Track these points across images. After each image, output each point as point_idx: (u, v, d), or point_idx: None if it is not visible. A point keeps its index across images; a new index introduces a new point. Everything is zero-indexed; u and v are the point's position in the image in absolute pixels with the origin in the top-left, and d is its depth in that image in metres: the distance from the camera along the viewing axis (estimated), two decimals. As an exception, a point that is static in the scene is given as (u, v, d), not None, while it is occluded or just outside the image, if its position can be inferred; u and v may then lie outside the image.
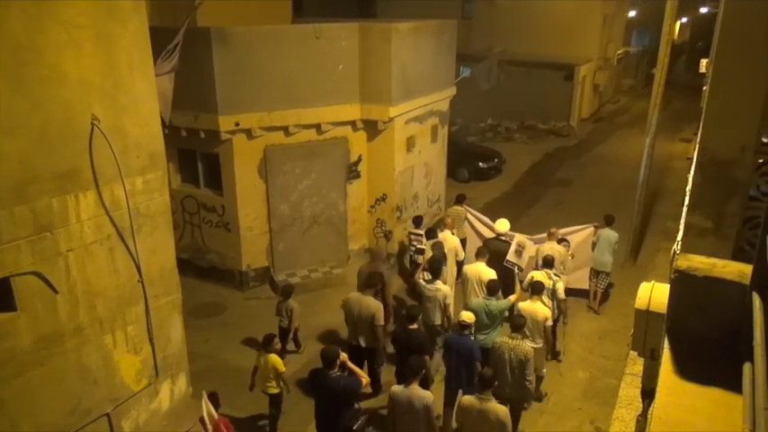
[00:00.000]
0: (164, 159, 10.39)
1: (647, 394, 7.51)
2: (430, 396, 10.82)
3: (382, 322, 13.76)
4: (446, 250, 16.95)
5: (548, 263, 15.35)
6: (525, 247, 17.26)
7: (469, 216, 19.82)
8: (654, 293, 6.94)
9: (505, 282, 15.62)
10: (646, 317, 6.88)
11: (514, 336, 12.21)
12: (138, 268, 10.12)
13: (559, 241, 17.43)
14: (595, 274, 18.32)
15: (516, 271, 16.78)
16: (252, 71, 16.93)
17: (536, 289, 13.97)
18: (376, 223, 20.59)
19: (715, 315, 4.89)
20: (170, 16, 18.84)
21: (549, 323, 13.81)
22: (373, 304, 13.65)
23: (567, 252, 17.42)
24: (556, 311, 15.18)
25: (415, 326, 12.99)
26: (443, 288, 14.52)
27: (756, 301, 4.21)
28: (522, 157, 33.70)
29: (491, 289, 13.94)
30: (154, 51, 10.04)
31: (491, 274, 14.95)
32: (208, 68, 16.58)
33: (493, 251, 16.18)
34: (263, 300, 18.55)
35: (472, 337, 12.85)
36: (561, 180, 30.18)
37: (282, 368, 12.90)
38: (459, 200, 20.23)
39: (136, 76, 9.62)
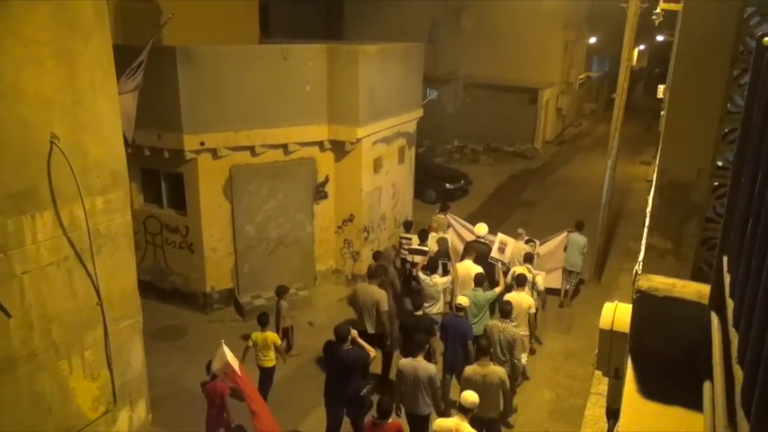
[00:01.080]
0: (126, 179, 10.23)
1: (612, 414, 7.50)
2: (433, 368, 12.51)
3: (386, 308, 15.31)
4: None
5: (528, 259, 17.78)
6: (507, 244, 19.43)
7: (452, 222, 21.64)
8: (617, 313, 6.97)
9: (489, 276, 17.72)
10: (609, 337, 6.89)
11: (503, 320, 13.89)
12: (98, 291, 9.91)
13: (526, 242, 19.96)
14: (567, 273, 20.59)
15: (499, 266, 18.68)
16: (218, 90, 16.87)
17: (520, 281, 15.88)
18: (343, 244, 20.56)
19: (676, 335, 4.88)
20: (135, 34, 18.74)
21: (533, 310, 15.91)
22: (377, 292, 15.30)
23: (534, 250, 19.77)
24: (537, 301, 17.20)
25: (420, 312, 14.93)
26: (439, 281, 16.38)
27: (714, 320, 4.20)
28: (488, 178, 33.97)
29: (478, 281, 15.95)
30: (118, 69, 9.90)
31: (478, 269, 16.74)
32: (173, 87, 16.49)
33: (475, 252, 17.97)
34: (228, 322, 18.40)
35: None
36: (526, 201, 30.39)
37: (279, 342, 14.60)
38: (443, 209, 22.24)
39: (98, 93, 9.48)
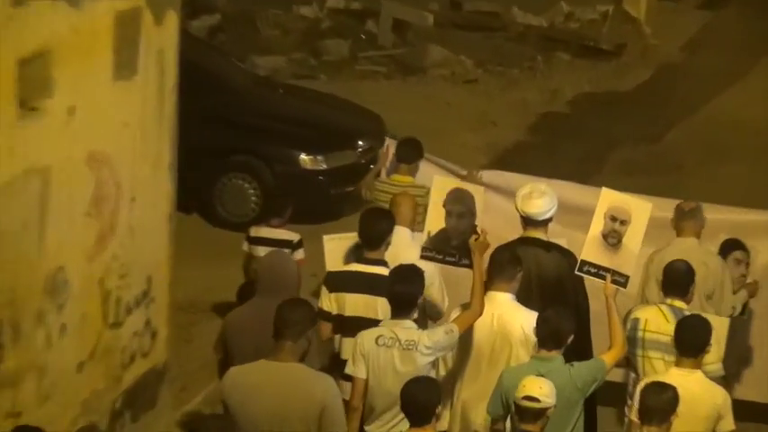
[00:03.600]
0: None
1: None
2: None
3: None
4: None
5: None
6: (628, 220, 6.01)
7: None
8: None
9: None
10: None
11: None
12: None
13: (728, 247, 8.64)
14: None
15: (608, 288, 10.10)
16: None
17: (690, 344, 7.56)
18: None
19: None
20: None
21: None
22: (318, 386, 9.34)
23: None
24: None
25: None
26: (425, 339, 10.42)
27: None
28: (463, 135, 13.92)
29: (548, 336, 8.65)
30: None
31: (528, 315, 9.92)
32: None
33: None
34: None
35: None
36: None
37: None
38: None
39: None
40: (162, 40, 7.55)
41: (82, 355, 6.96)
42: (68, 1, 6.31)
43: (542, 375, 5.86)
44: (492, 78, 15.56)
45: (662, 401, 5.64)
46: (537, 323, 6.25)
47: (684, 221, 7.73)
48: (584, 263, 6.91)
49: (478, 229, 6.81)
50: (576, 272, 7.02)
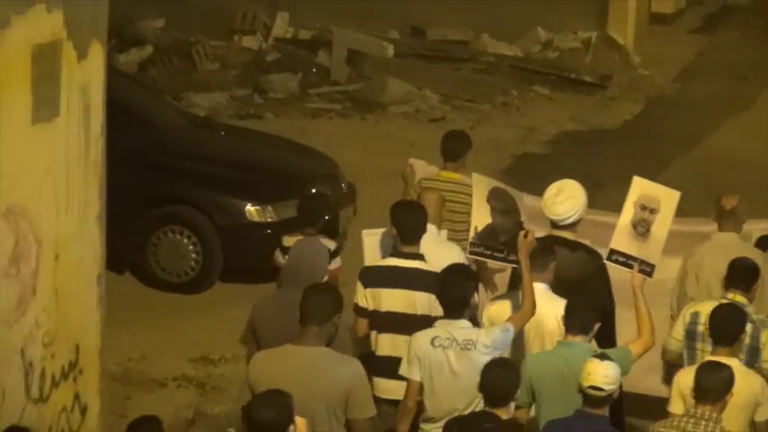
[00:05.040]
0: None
1: None
2: None
3: (371, 411, 9.37)
4: None
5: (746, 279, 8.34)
6: (658, 209, 6.93)
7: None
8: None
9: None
10: None
11: None
12: None
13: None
14: None
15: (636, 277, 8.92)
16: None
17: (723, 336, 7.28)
18: None
19: None
20: None
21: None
22: (341, 374, 9.31)
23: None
24: None
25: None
26: (483, 337, 10.92)
27: None
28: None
29: (576, 325, 7.87)
30: None
31: (557, 305, 9.67)
32: None
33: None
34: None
35: None
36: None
37: None
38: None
39: None
40: (86, 77, 7.61)
41: (3, 432, 7.12)
42: (-24, 33, 6.39)
43: (568, 360, 6.81)
44: (460, 115, 15.68)
45: (717, 380, 6.27)
46: (565, 310, 6.96)
47: (725, 218, 8.48)
48: (612, 251, 7.69)
49: (525, 228, 7.45)
50: (606, 260, 7.80)
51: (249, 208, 10.97)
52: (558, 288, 7.54)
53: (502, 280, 8.47)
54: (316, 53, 17.08)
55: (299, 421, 5.65)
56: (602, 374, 6.31)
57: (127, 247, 10.05)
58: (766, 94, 16.28)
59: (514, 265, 7.44)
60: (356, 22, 16.93)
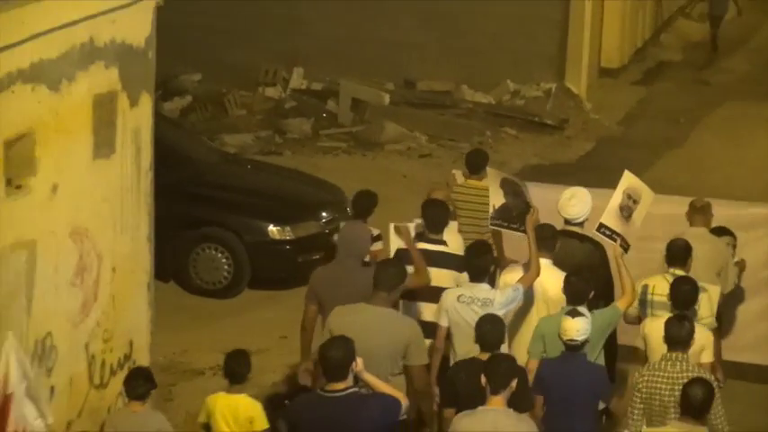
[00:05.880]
0: None
1: None
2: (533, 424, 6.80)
3: (424, 359, 8.35)
4: None
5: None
6: (639, 198, 8.50)
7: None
8: None
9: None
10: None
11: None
12: None
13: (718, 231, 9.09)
14: None
15: (616, 247, 8.36)
16: None
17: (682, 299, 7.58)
18: None
19: None
20: None
21: (707, 358, 7.72)
22: (402, 324, 8.29)
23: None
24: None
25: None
26: (498, 297, 10.30)
27: None
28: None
29: (575, 293, 7.83)
30: None
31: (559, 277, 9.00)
32: None
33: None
34: None
35: None
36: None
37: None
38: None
39: None
40: (137, 121, 7.57)
41: (71, 414, 6.95)
42: (48, 86, 6.38)
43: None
44: (444, 152, 15.61)
45: (684, 332, 6.83)
46: (563, 284, 7.38)
47: (696, 215, 8.76)
48: (601, 225, 7.98)
49: (532, 208, 8.02)
50: (595, 231, 8.07)
51: (271, 228, 10.94)
52: (569, 270, 7.69)
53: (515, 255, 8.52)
54: (325, 101, 17.08)
55: (359, 360, 5.97)
56: (575, 329, 6.84)
57: (171, 261, 10.06)
58: (695, 135, 16.30)
59: (524, 233, 7.82)
60: (359, 75, 16.90)
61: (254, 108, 16.90)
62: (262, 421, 6.80)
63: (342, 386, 5.86)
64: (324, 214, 11.31)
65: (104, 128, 7.18)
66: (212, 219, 10.89)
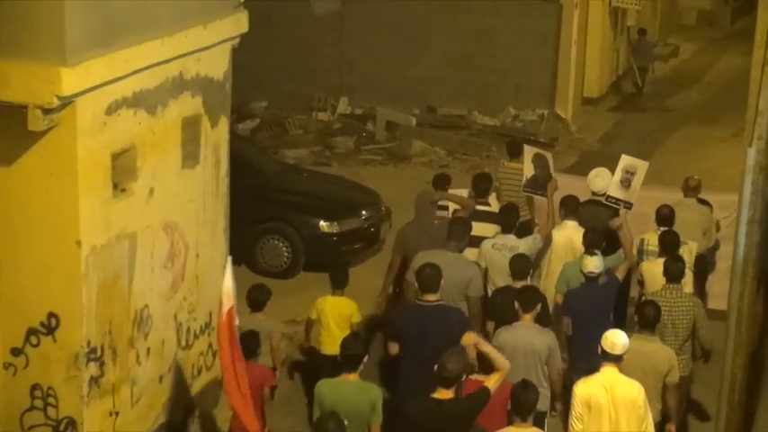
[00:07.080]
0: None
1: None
2: (554, 336, 6.98)
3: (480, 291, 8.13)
4: None
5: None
6: (636, 171, 8.71)
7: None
8: None
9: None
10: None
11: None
12: None
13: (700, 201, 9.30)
14: None
15: (621, 214, 8.49)
16: None
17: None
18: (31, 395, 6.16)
19: None
20: None
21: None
22: (466, 265, 8.12)
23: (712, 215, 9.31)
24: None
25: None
26: (521, 244, 9.11)
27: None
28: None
29: (592, 242, 7.96)
30: None
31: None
32: None
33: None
34: None
35: None
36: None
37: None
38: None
39: None
40: (217, 139, 7.57)
41: (162, 369, 6.99)
42: (147, 110, 6.41)
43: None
44: (459, 164, 15.48)
45: (679, 269, 7.29)
46: (583, 237, 7.83)
47: (689, 190, 9.18)
48: (609, 197, 8.50)
49: (553, 178, 8.88)
50: (605, 201, 8.51)
51: (322, 223, 10.84)
52: (594, 229, 7.98)
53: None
54: (365, 123, 17.02)
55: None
56: (593, 264, 7.37)
57: (243, 249, 10.00)
58: (659, 152, 16.12)
59: (546, 197, 8.54)
60: (392, 103, 16.89)
61: (308, 128, 16.85)
62: (357, 315, 7.79)
63: (433, 298, 6.53)
64: (363, 213, 11.23)
65: (190, 144, 7.19)
66: (276, 216, 10.84)
